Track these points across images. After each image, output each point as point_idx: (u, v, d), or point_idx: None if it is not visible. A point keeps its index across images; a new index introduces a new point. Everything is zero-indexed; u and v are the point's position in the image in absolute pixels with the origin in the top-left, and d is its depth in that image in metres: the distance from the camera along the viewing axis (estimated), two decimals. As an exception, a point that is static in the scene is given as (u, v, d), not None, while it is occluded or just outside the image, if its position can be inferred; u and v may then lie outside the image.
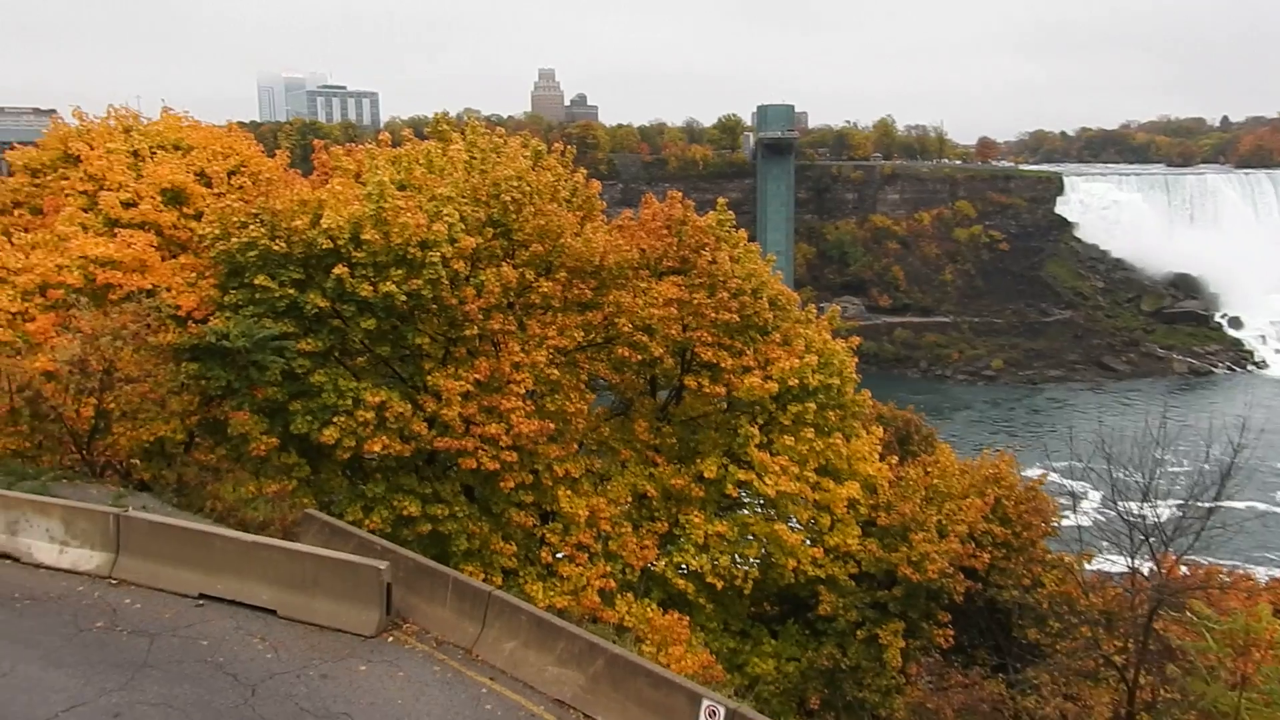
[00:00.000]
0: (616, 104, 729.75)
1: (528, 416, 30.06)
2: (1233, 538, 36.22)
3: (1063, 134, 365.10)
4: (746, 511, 35.51)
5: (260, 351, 27.61)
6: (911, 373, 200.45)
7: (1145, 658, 26.56)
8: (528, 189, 32.02)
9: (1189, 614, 25.55)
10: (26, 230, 31.26)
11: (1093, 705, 27.81)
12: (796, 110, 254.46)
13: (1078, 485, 42.53)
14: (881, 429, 39.34)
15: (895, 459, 38.55)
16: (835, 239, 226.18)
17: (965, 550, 33.44)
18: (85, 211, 31.40)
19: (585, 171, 38.46)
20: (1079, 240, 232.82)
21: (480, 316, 29.90)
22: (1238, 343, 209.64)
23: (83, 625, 17.13)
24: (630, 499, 34.09)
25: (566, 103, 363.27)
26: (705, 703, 15.12)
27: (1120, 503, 27.29)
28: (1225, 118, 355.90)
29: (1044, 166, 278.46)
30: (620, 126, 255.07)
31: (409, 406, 29.82)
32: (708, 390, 34.12)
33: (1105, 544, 30.65)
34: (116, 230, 30.43)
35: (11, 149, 35.80)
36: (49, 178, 33.50)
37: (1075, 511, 35.85)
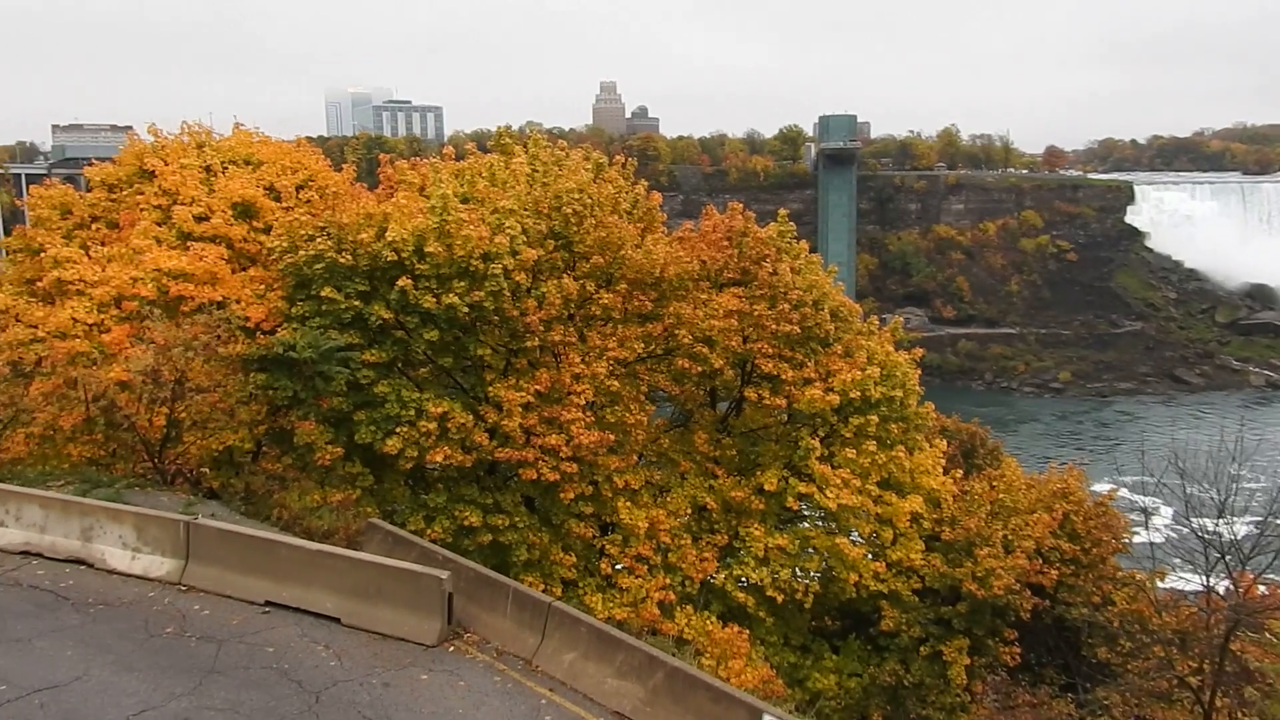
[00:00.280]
0: (677, 116, 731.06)
1: (588, 428, 30.14)
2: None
3: (1133, 142, 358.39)
4: (807, 525, 35.17)
5: (326, 362, 28.02)
6: (976, 385, 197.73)
7: (1221, 679, 25.80)
8: (589, 201, 32.17)
9: (1268, 635, 24.79)
10: (103, 244, 32.06)
11: (1166, 727, 27.11)
12: (859, 121, 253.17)
13: (1149, 501, 41.57)
14: (945, 442, 38.82)
15: (959, 473, 37.97)
16: (898, 250, 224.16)
17: (1032, 566, 32.80)
18: (159, 225, 32.18)
19: (646, 183, 38.54)
20: (1150, 250, 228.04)
21: (541, 328, 30.09)
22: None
23: (153, 631, 17.47)
24: (690, 511, 33.98)
25: (628, 115, 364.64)
26: (766, 717, 14.97)
27: (1194, 519, 26.62)
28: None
29: (1114, 175, 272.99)
30: (681, 138, 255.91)
31: (470, 417, 30.06)
32: (768, 402, 33.91)
33: (1178, 561, 29.90)
34: (189, 244, 31.17)
35: (90, 165, 36.84)
36: (125, 193, 34.36)
37: (1146, 528, 35.02)
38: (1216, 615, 26.36)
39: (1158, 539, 34.80)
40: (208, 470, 28.24)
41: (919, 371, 36.66)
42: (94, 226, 33.68)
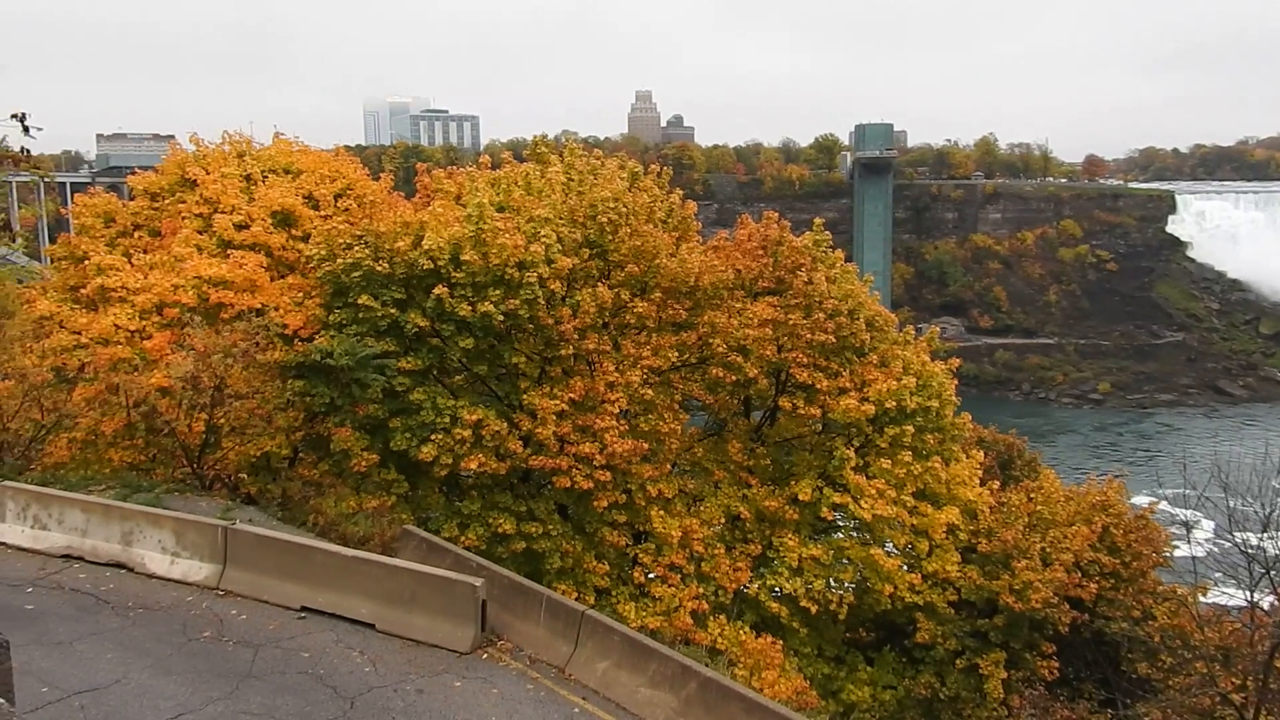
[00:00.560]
0: (712, 125, 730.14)
1: (621, 436, 30.16)
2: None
3: (1175, 151, 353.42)
4: (841, 535, 34.95)
5: (362, 369, 28.23)
6: (1013, 395, 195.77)
7: (1266, 697, 25.25)
8: (624, 210, 32.23)
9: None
10: (146, 252, 32.49)
11: (1209, 745, 26.59)
12: (895, 129, 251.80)
13: (1190, 514, 40.83)
14: (982, 453, 38.47)
15: (996, 484, 37.59)
16: (934, 259, 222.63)
17: (1071, 579, 32.43)
18: (200, 233, 32.57)
19: (681, 192, 38.57)
20: (1192, 260, 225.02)
21: (576, 336, 30.16)
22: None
23: (191, 635, 17.64)
24: (723, 520, 33.88)
25: (663, 124, 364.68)
26: (799, 730, 14.86)
27: (1237, 533, 26.14)
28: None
29: (1155, 185, 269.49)
30: (716, 147, 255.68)
31: (505, 425, 30.17)
32: (803, 412, 33.76)
33: (1220, 576, 29.36)
34: (229, 251, 31.53)
35: (133, 174, 37.40)
36: (167, 201, 34.82)
37: (1188, 542, 34.44)
38: (1261, 631, 25.85)
39: (1199, 553, 34.22)
40: (245, 476, 28.54)
41: (955, 381, 36.34)
42: (137, 234, 34.13)
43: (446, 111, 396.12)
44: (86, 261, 31.37)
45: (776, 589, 33.15)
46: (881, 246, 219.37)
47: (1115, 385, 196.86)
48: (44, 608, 18.34)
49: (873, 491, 32.62)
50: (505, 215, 31.20)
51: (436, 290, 29.25)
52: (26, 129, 15.83)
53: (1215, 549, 31.68)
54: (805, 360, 33.08)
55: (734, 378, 32.96)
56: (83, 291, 30.94)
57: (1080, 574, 32.84)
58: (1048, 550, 32.90)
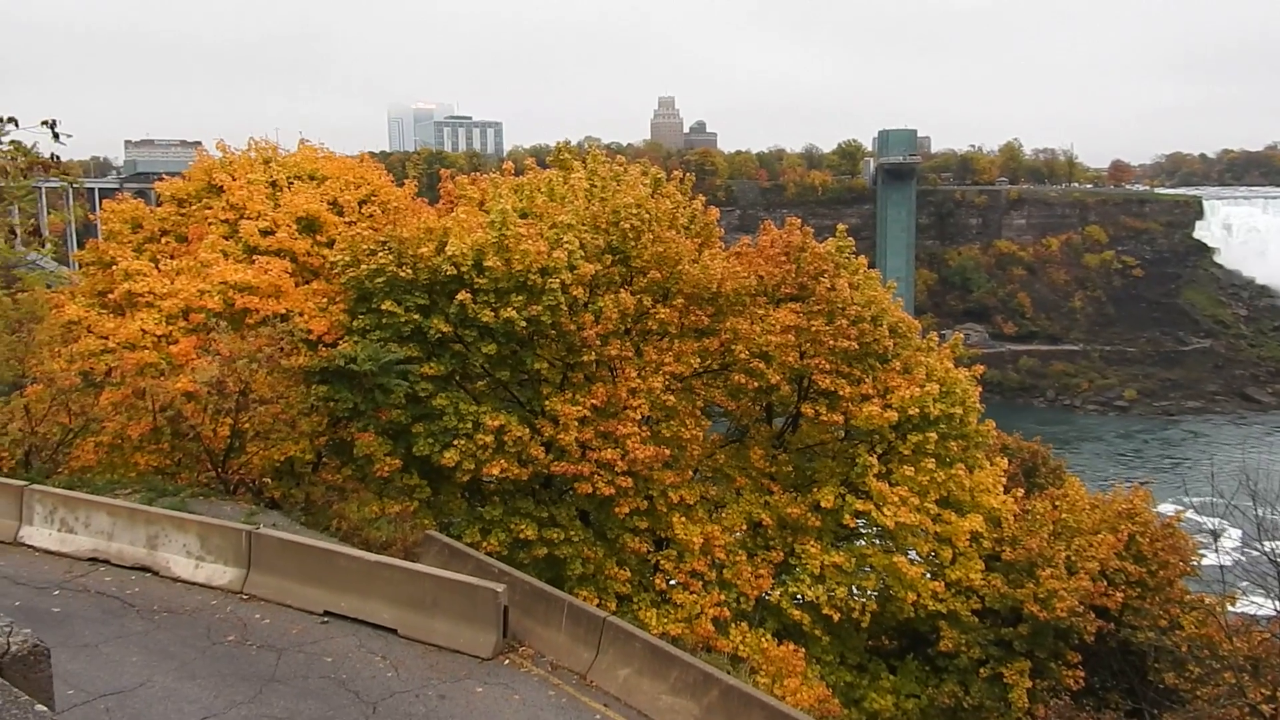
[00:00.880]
0: (735, 131, 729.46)
1: (643, 442, 30.14)
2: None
3: (1202, 156, 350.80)
4: (864, 542, 34.82)
5: (385, 375, 28.35)
6: (1038, 402, 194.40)
7: (1296, 709, 24.96)
8: (647, 216, 32.24)
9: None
10: (172, 257, 32.77)
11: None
12: (918, 135, 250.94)
13: (1217, 522, 40.38)
14: (1006, 460, 38.18)
15: (1021, 492, 37.35)
16: (958, 265, 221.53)
17: (1096, 588, 32.15)
18: (226, 239, 32.82)
19: (704, 198, 38.55)
20: (1220, 266, 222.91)
21: (598, 342, 30.17)
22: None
23: (215, 639, 17.73)
24: (745, 527, 33.80)
25: (685, 130, 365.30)
26: (821, 739, 14.79)
27: (1266, 542, 25.86)
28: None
29: (1182, 190, 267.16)
30: (739, 153, 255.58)
31: (527, 431, 30.21)
32: (825, 418, 33.63)
33: (1248, 585, 29.04)
34: (254, 257, 31.75)
35: (160, 180, 37.71)
36: (194, 207, 35.10)
37: (1216, 550, 34.04)
38: (1290, 642, 25.57)
39: (1227, 562, 33.85)
40: (269, 480, 28.70)
41: (979, 388, 36.11)
42: (164, 240, 34.41)
43: (470, 118, 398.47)
44: (114, 267, 31.66)
45: (798, 596, 33.02)
46: (905, 252, 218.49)
47: (1141, 392, 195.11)
48: (70, 610, 18.48)
49: (896, 499, 32.45)
50: (528, 221, 31.28)
51: (459, 296, 29.34)
52: (56, 136, 15.98)
53: (1243, 558, 31.33)
54: (828, 367, 32.97)
55: (756, 384, 32.88)
56: (110, 296, 31.24)
57: (1106, 582, 32.56)
58: (1073, 558, 32.64)
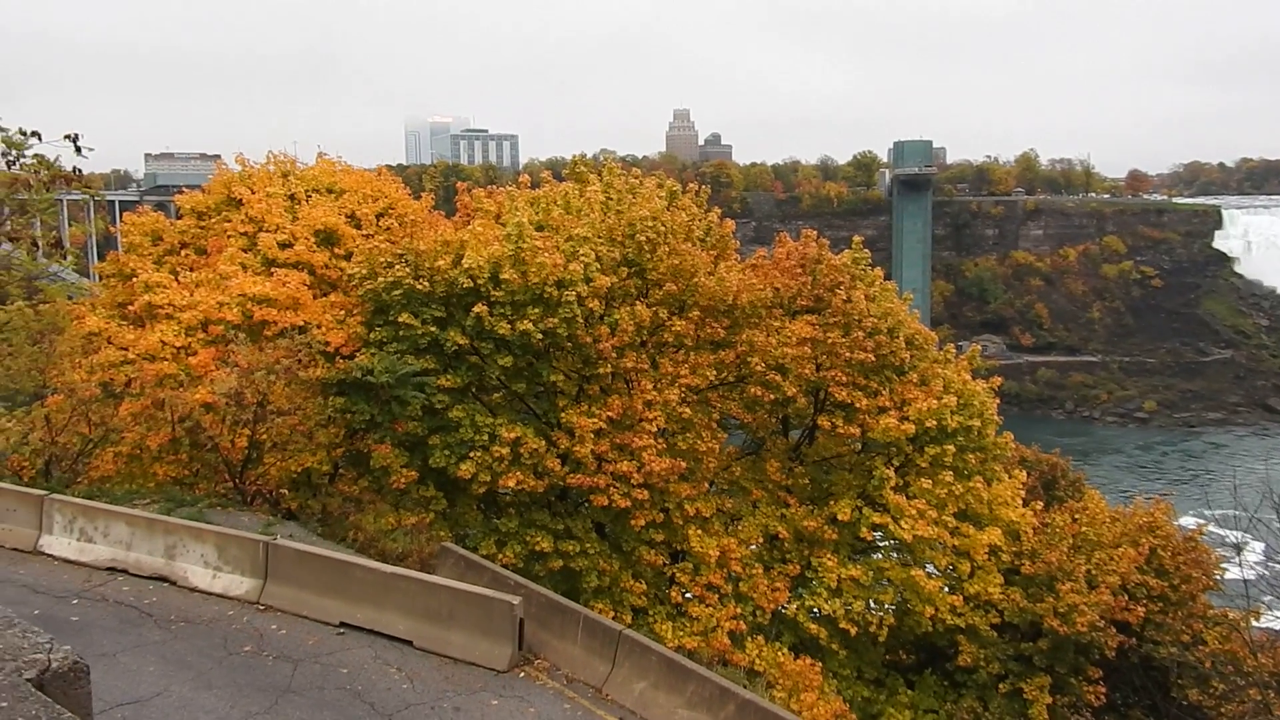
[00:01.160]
0: (750, 143, 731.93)
1: (659, 455, 30.11)
2: None
3: (1221, 165, 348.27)
4: (881, 556, 34.63)
5: (402, 387, 28.43)
6: (1056, 414, 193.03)
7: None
8: (662, 229, 32.28)
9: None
10: (192, 269, 33.01)
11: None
12: (934, 146, 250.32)
13: (1240, 536, 40.00)
14: (1025, 473, 37.97)
15: (1040, 505, 37.10)
16: (974, 276, 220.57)
17: (1117, 603, 31.87)
18: (245, 252, 33.05)
19: (719, 210, 38.56)
20: (1240, 276, 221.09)
21: (614, 355, 30.19)
22: None
23: (232, 649, 17.77)
24: (761, 540, 33.69)
25: (700, 142, 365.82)
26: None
27: (1290, 557, 25.60)
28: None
29: (1200, 199, 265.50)
30: (754, 165, 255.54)
31: (543, 443, 30.23)
32: (841, 431, 33.54)
33: (1272, 600, 28.74)
34: (273, 270, 31.94)
35: (180, 193, 38.00)
36: (213, 220, 35.37)
37: (1239, 564, 33.74)
38: (1314, 658, 25.27)
39: (1250, 576, 33.51)
40: (286, 491, 28.78)
41: (997, 400, 35.95)
42: (183, 252, 34.66)
43: (486, 131, 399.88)
44: (134, 279, 31.92)
45: (815, 610, 32.87)
46: (921, 264, 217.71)
47: (1161, 403, 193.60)
48: (89, 620, 18.56)
49: (913, 512, 32.29)
50: (544, 234, 31.37)
51: (476, 308, 29.43)
52: (79, 149, 16.19)
53: (1267, 572, 31.04)
54: (844, 379, 32.89)
55: (772, 396, 32.83)
56: (130, 308, 31.47)
57: (1127, 597, 32.29)
58: (1093, 572, 32.39)
